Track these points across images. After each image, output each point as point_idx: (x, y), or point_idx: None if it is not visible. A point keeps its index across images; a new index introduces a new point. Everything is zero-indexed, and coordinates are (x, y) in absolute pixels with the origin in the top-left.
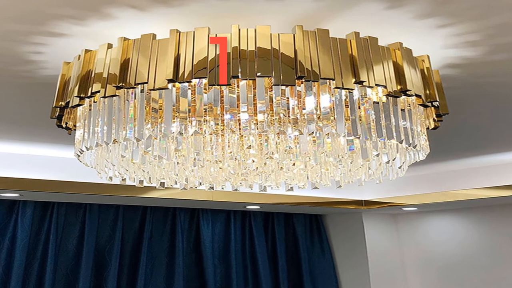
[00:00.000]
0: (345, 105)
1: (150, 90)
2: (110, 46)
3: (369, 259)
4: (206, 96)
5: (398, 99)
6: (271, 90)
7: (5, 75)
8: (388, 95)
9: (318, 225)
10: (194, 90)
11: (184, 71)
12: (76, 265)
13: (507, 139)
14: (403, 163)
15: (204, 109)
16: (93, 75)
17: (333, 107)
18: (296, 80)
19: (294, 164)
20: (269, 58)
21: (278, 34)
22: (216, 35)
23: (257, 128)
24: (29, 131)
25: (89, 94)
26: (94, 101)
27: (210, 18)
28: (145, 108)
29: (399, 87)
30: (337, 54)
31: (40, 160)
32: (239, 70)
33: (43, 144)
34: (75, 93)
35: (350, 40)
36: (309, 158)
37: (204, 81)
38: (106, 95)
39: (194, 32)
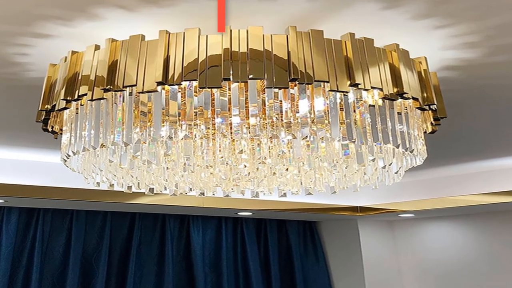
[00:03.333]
0: (340, 108)
1: (139, 93)
2: (97, 47)
3: (364, 268)
4: (197, 99)
5: (394, 102)
6: (264, 93)
7: None
8: (384, 98)
9: (312, 232)
10: (184, 93)
11: (173, 73)
12: (63, 273)
13: (507, 144)
14: (400, 168)
15: (194, 112)
16: (80, 78)
17: (328, 111)
18: (290, 82)
19: (287, 169)
20: (261, 60)
21: (271, 35)
22: (207, 36)
23: (249, 132)
24: (14, 135)
25: (75, 97)
26: (81, 104)
27: (201, 18)
28: (134, 112)
29: (395, 89)
30: (332, 55)
31: (25, 165)
32: (231, 72)
33: (28, 148)
34: (62, 96)
35: (345, 42)
36: (303, 163)
37: (195, 83)
38: (94, 98)
39: (184, 33)
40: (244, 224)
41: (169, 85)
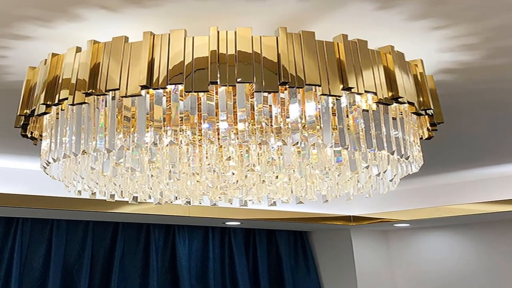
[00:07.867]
0: (332, 113)
1: (122, 97)
2: (79, 49)
3: (358, 280)
4: (183, 103)
5: (389, 106)
6: (253, 97)
7: None
8: (378, 102)
9: (303, 242)
10: (170, 97)
11: (158, 76)
12: (43, 285)
13: (507, 150)
14: (395, 175)
15: (180, 117)
16: (60, 81)
17: (319, 116)
18: (280, 86)
19: (277, 177)
20: (250, 62)
21: (260, 37)
22: (193, 38)
23: (237, 138)
24: None
25: (56, 101)
26: (61, 109)
27: (187, 19)
28: (117, 117)
29: (390, 94)
30: (324, 58)
31: (3, 172)
32: (218, 75)
33: (6, 155)
34: (41, 101)
35: (337, 43)
36: (293, 170)
37: (180, 87)
38: (75, 102)
39: (169, 34)
40: (232, 234)
41: (154, 89)
